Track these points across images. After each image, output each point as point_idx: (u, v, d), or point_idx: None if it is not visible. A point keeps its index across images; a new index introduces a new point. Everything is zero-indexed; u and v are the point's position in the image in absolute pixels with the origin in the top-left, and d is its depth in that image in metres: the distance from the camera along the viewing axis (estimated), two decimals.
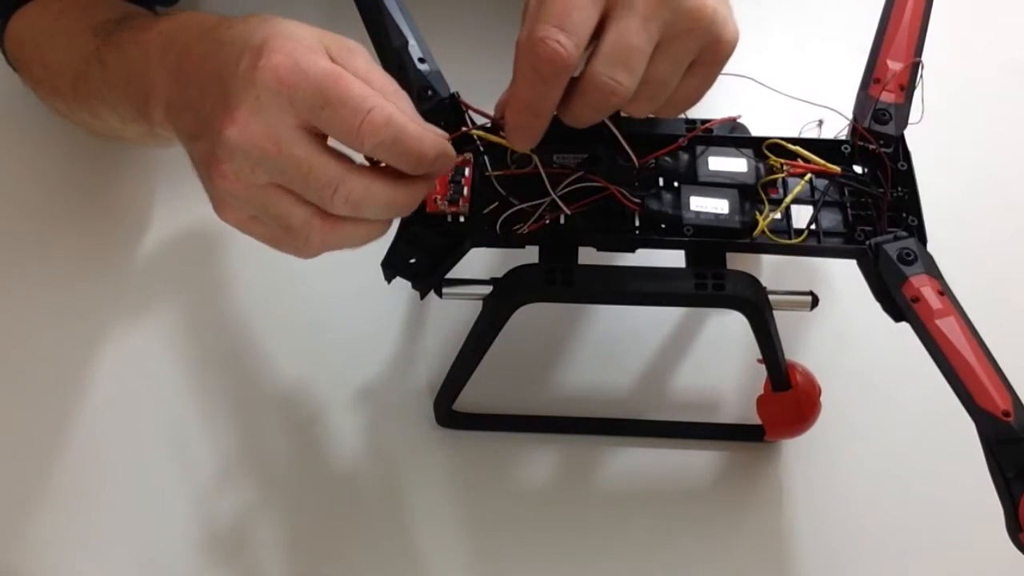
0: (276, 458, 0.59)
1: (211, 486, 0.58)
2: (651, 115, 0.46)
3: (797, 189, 0.50)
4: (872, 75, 0.51)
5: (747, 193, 0.49)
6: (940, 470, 0.58)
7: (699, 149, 0.51)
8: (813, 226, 0.49)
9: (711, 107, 0.52)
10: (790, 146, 0.51)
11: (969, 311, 0.45)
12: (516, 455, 0.59)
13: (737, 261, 0.50)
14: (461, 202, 0.49)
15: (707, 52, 0.43)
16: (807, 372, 0.55)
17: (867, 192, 0.49)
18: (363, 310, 0.62)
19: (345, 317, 0.63)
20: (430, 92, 0.49)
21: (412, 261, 0.48)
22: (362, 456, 0.59)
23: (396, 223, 0.49)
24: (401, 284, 0.49)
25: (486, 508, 0.57)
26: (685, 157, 0.51)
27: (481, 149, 0.50)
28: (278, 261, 0.64)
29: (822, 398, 0.55)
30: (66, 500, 0.57)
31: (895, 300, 0.46)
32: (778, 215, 0.49)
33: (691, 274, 0.48)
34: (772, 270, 0.61)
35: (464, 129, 0.49)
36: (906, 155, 0.51)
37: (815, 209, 0.49)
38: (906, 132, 0.50)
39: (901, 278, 0.46)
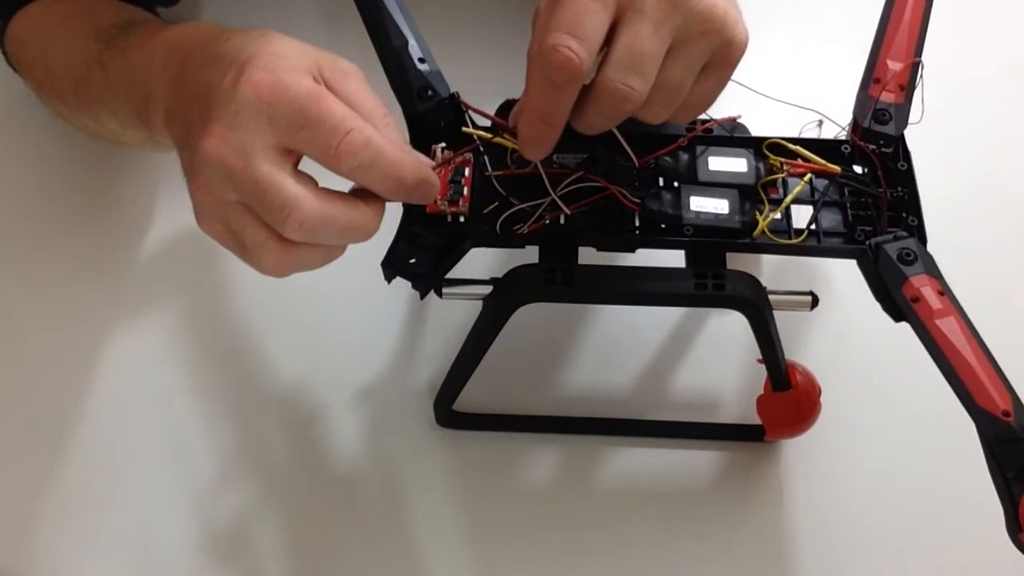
0: (276, 458, 0.59)
1: (211, 486, 0.58)
2: (665, 121, 0.46)
3: (797, 189, 0.50)
4: (872, 75, 0.51)
5: (747, 193, 0.49)
6: (940, 470, 0.58)
7: (699, 149, 0.51)
8: (813, 226, 0.49)
9: (711, 107, 0.53)
10: (790, 146, 0.51)
11: (969, 311, 0.45)
12: (516, 455, 0.59)
13: (737, 261, 0.50)
14: (461, 202, 0.49)
15: (719, 54, 0.44)
16: (807, 372, 0.55)
17: (867, 192, 0.49)
18: (363, 310, 0.63)
19: (345, 317, 0.63)
20: (430, 92, 0.49)
21: (412, 261, 0.48)
22: (362, 456, 0.59)
23: (396, 224, 0.50)
24: (401, 284, 0.49)
25: (486, 508, 0.57)
26: (685, 157, 0.51)
27: (481, 149, 0.50)
28: None
29: (822, 398, 0.55)
30: (66, 500, 0.57)
31: (895, 300, 0.46)
32: (778, 215, 0.49)
33: (691, 274, 0.48)
34: (772, 270, 0.61)
35: (464, 129, 0.49)
36: (906, 155, 0.51)
37: (815, 209, 0.49)
38: (906, 132, 0.50)
39: (901, 278, 0.46)
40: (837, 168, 0.50)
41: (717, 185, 0.50)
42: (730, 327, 0.61)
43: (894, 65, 0.51)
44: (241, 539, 0.56)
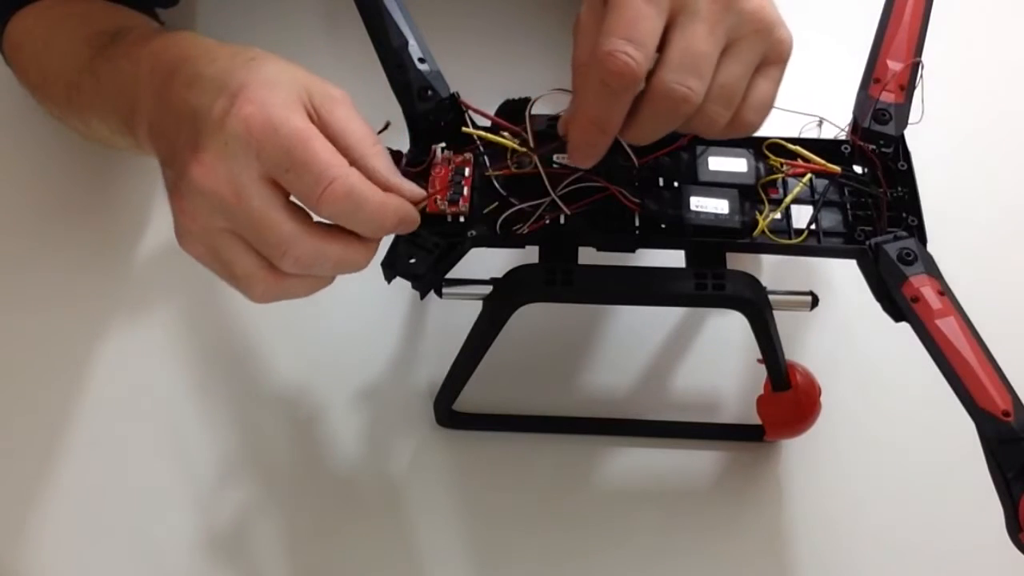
0: (276, 458, 0.59)
1: (211, 486, 0.58)
2: (730, 133, 0.44)
3: (797, 189, 0.50)
4: (872, 75, 0.51)
5: (747, 193, 0.49)
6: (940, 470, 0.58)
7: (699, 149, 0.51)
8: (813, 226, 0.49)
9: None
10: (790, 146, 0.51)
11: (969, 311, 0.45)
12: (516, 455, 0.59)
13: (737, 261, 0.50)
14: (461, 202, 0.49)
15: (772, 52, 0.43)
16: (807, 372, 0.55)
17: (867, 192, 0.49)
18: (363, 310, 0.62)
19: (345, 317, 0.63)
20: (430, 92, 0.49)
21: (412, 261, 0.48)
22: (362, 456, 0.59)
23: None
24: (401, 284, 0.49)
25: (486, 508, 0.57)
26: (685, 157, 0.51)
27: (481, 149, 0.50)
28: None
29: (822, 398, 0.55)
30: (66, 500, 0.57)
31: (895, 300, 0.46)
32: (778, 215, 0.49)
33: (691, 274, 0.48)
34: (772, 270, 0.61)
35: (464, 129, 0.49)
36: (906, 155, 0.51)
37: (815, 209, 0.49)
38: (906, 132, 0.50)
39: (901, 278, 0.46)
40: (837, 168, 0.50)
41: (717, 185, 0.50)
42: (730, 327, 0.61)
43: (894, 65, 0.51)
44: (241, 539, 0.56)
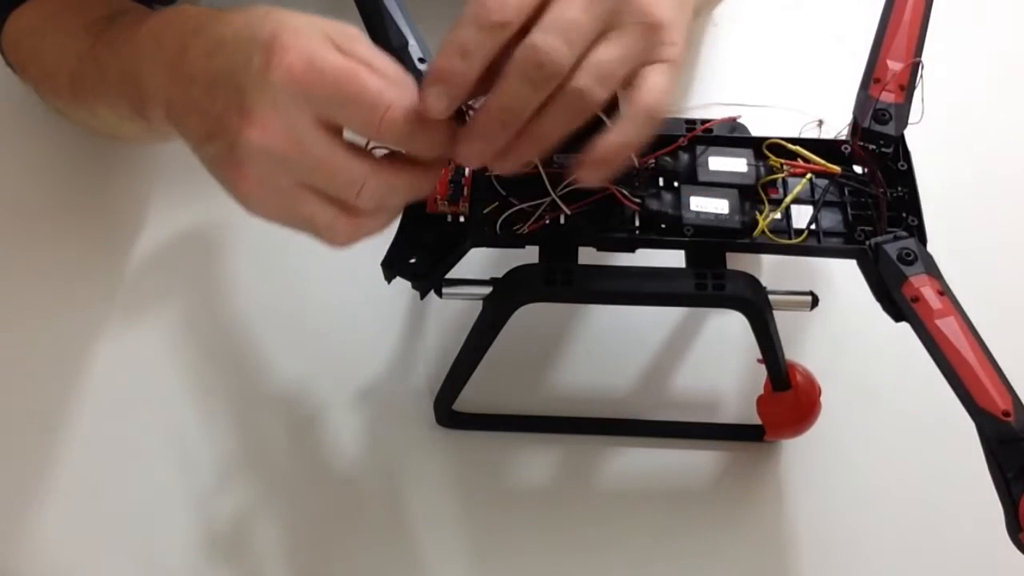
0: (276, 458, 0.59)
1: (211, 486, 0.58)
2: (630, 115, 0.43)
3: (797, 189, 0.50)
4: (872, 75, 0.51)
5: (747, 193, 0.49)
6: (940, 470, 0.58)
7: (699, 149, 0.51)
8: (813, 226, 0.49)
9: (711, 107, 0.53)
10: (790, 146, 0.51)
11: (969, 311, 0.45)
12: (516, 455, 0.59)
13: (737, 261, 0.50)
14: (461, 202, 0.49)
15: (656, 51, 0.42)
16: (807, 372, 0.55)
17: (867, 192, 0.49)
18: (363, 310, 0.62)
19: (345, 317, 0.63)
20: None
21: (412, 261, 0.48)
22: (362, 456, 0.59)
23: (396, 224, 0.50)
24: (401, 284, 0.49)
25: (486, 508, 0.57)
26: (685, 157, 0.51)
27: None
28: (278, 261, 0.64)
29: (822, 398, 0.55)
30: (66, 500, 0.57)
31: (895, 300, 0.46)
32: (778, 215, 0.49)
33: (691, 274, 0.48)
34: (772, 270, 0.61)
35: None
36: (906, 155, 0.51)
37: (815, 209, 0.49)
38: (906, 132, 0.50)
39: (901, 278, 0.46)
40: (837, 168, 0.50)
41: (717, 185, 0.50)
42: (730, 327, 0.61)
43: (894, 65, 0.51)
44: (241, 539, 0.56)
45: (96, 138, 0.65)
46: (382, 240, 0.49)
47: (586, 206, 0.49)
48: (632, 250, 0.51)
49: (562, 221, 0.49)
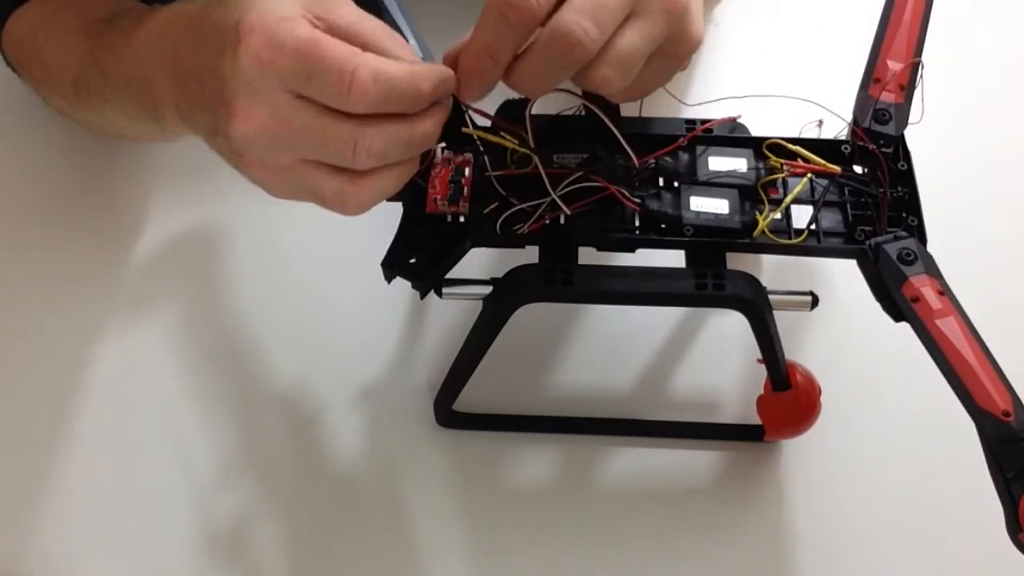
0: (276, 458, 0.59)
1: (211, 486, 0.58)
2: (606, 96, 0.44)
3: (797, 189, 0.50)
4: (872, 75, 0.51)
5: (747, 193, 0.50)
6: (940, 470, 0.58)
7: (699, 149, 0.51)
8: (813, 226, 0.49)
9: (711, 107, 0.53)
10: (790, 146, 0.51)
11: (969, 311, 0.45)
12: (516, 455, 0.59)
13: (737, 261, 0.50)
14: (461, 202, 0.49)
15: (672, 43, 0.43)
16: (807, 372, 0.55)
17: (867, 192, 0.49)
18: (363, 310, 0.63)
19: (345, 317, 0.63)
20: None
21: (412, 261, 0.48)
22: (362, 456, 0.59)
23: (396, 224, 0.50)
24: (401, 284, 0.49)
25: (486, 508, 0.57)
26: (685, 157, 0.51)
27: (481, 149, 0.50)
28: (278, 261, 0.64)
29: (822, 398, 0.55)
30: (66, 500, 0.57)
31: (895, 300, 0.46)
32: (778, 215, 0.49)
33: (691, 274, 0.48)
34: (772, 270, 0.61)
35: (464, 129, 0.49)
36: (906, 155, 0.51)
37: (815, 209, 0.49)
38: (906, 132, 0.50)
39: (901, 278, 0.46)
40: (837, 168, 0.50)
41: (717, 185, 0.50)
42: (730, 327, 0.61)
43: (894, 65, 0.51)
44: (241, 539, 0.56)
45: (96, 138, 0.65)
46: (382, 240, 0.49)
47: (586, 206, 0.49)
48: (632, 250, 0.51)
49: (562, 221, 0.49)
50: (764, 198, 0.49)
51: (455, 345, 0.54)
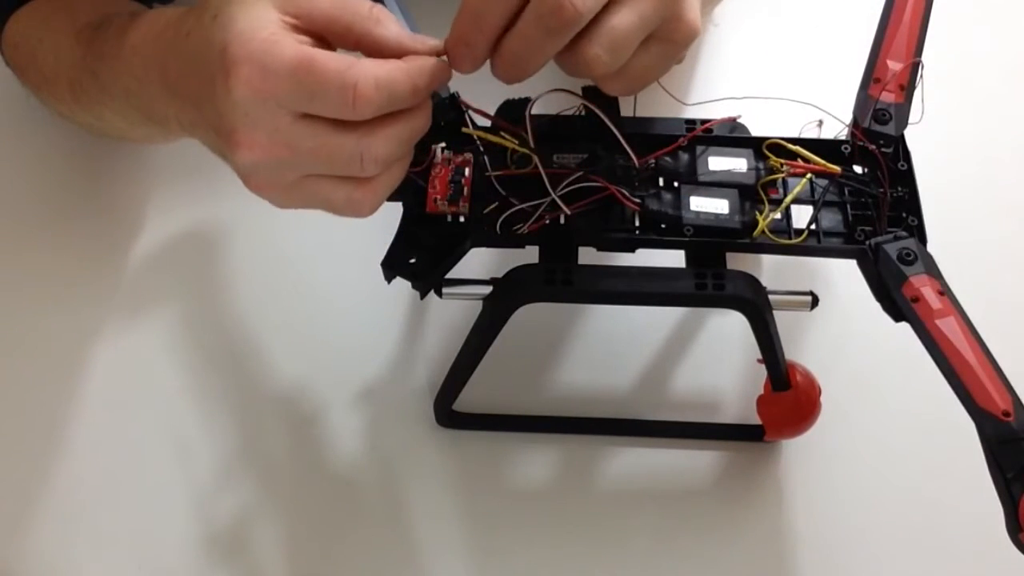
0: (276, 458, 0.59)
1: (211, 486, 0.58)
2: (604, 86, 0.45)
3: (797, 189, 0.50)
4: (872, 75, 0.51)
5: (747, 193, 0.49)
6: (940, 470, 0.58)
7: (699, 149, 0.51)
8: (813, 226, 0.49)
9: (711, 107, 0.53)
10: (790, 146, 0.51)
11: (969, 311, 0.45)
12: (516, 455, 0.59)
13: (737, 261, 0.50)
14: (461, 202, 0.49)
15: (667, 27, 0.43)
16: (807, 372, 0.55)
17: (867, 192, 0.49)
18: (363, 310, 0.62)
19: (345, 317, 0.63)
20: None
21: (412, 261, 0.48)
22: (362, 456, 0.59)
23: (396, 224, 0.50)
24: (401, 284, 0.49)
25: (486, 508, 0.57)
26: (685, 157, 0.51)
27: (481, 149, 0.50)
28: (278, 261, 0.64)
29: (822, 398, 0.55)
30: (66, 500, 0.57)
31: (895, 300, 0.46)
32: (778, 215, 0.49)
33: (691, 274, 0.48)
34: (772, 270, 0.61)
35: (464, 129, 0.49)
36: (906, 155, 0.51)
37: (815, 209, 0.49)
38: (906, 132, 0.50)
39: (901, 278, 0.46)
40: (837, 168, 0.50)
41: (717, 185, 0.50)
42: (730, 327, 0.61)
43: (894, 65, 0.51)
44: (241, 539, 0.56)
45: (94, 139, 0.65)
46: (382, 240, 0.49)
47: (586, 206, 0.49)
48: (632, 250, 0.51)
49: (562, 221, 0.49)
50: (764, 198, 0.49)
51: (455, 345, 0.54)
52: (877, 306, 0.47)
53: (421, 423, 0.59)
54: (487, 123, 0.50)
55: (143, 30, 0.48)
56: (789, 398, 0.55)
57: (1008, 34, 0.76)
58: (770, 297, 0.50)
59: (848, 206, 0.49)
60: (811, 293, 0.52)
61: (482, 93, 0.49)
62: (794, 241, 0.49)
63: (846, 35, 0.63)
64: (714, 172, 0.50)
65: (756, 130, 0.52)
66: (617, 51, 0.42)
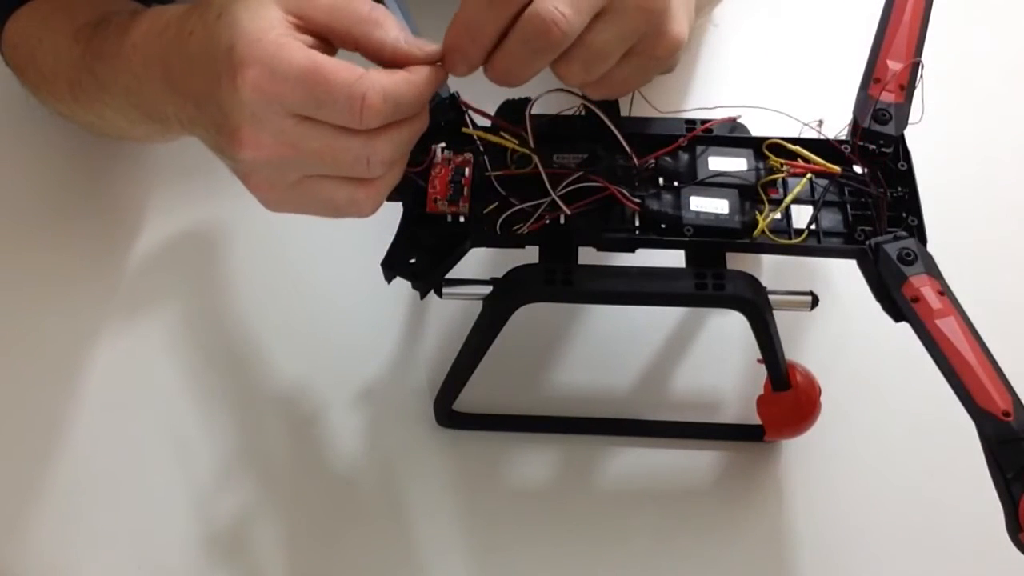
0: (276, 458, 0.59)
1: (211, 486, 0.58)
2: (585, 91, 0.46)
3: (797, 189, 0.50)
4: (872, 75, 0.51)
5: (747, 193, 0.49)
6: (940, 470, 0.58)
7: (699, 149, 0.51)
8: (813, 226, 0.49)
9: (705, 112, 0.53)
10: (790, 146, 0.51)
11: (969, 311, 0.45)
12: (516, 455, 0.59)
13: (737, 261, 0.50)
14: (461, 202, 0.49)
15: (647, 42, 0.43)
16: (807, 372, 0.55)
17: (867, 192, 0.49)
18: (363, 310, 0.62)
19: (345, 317, 0.63)
20: None
21: (412, 261, 0.48)
22: (362, 456, 0.59)
23: (396, 224, 0.50)
24: (401, 284, 0.49)
25: (486, 508, 0.57)
26: (685, 157, 0.51)
27: (481, 149, 0.50)
28: (278, 261, 0.64)
29: (822, 398, 0.55)
30: (66, 500, 0.57)
31: (895, 300, 0.46)
32: (778, 215, 0.49)
33: (691, 274, 0.48)
34: (772, 270, 0.61)
35: (464, 129, 0.49)
36: (906, 155, 0.51)
37: (815, 209, 0.49)
38: (906, 132, 0.50)
39: (901, 278, 0.46)
40: (837, 168, 0.50)
41: (717, 185, 0.50)
42: (730, 327, 0.61)
43: (894, 65, 0.51)
44: (241, 539, 0.56)
45: (95, 138, 0.65)
46: (382, 240, 0.49)
47: (586, 206, 0.49)
48: (632, 250, 0.51)
49: (562, 221, 0.49)
50: (764, 198, 0.49)
51: (455, 345, 0.54)
52: (877, 306, 0.47)
53: (421, 423, 0.59)
54: (487, 123, 0.50)
55: (144, 27, 0.48)
56: (789, 398, 0.55)
57: (1008, 34, 0.76)
58: (770, 297, 0.50)
59: (848, 206, 0.49)
60: (811, 293, 0.52)
61: (482, 93, 0.49)
62: (794, 241, 0.49)
63: (846, 35, 0.63)
64: (714, 172, 0.50)
65: (756, 130, 0.52)
66: (592, 66, 0.43)
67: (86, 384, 0.61)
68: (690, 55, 0.72)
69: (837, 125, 0.52)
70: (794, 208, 0.50)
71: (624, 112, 0.51)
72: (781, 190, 0.50)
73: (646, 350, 0.62)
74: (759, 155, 0.51)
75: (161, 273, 0.64)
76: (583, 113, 0.50)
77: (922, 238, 0.48)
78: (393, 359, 0.62)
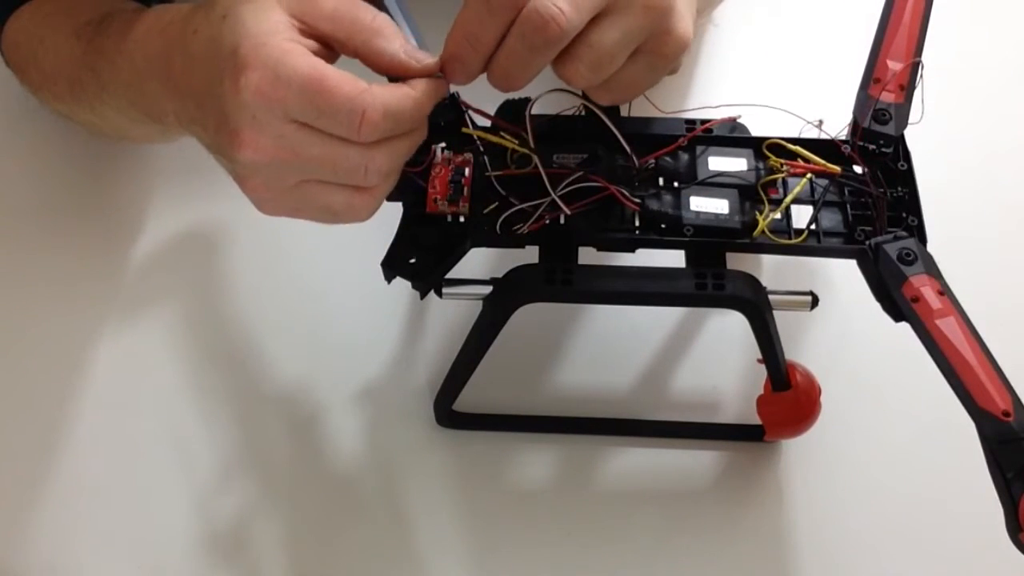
0: (276, 458, 0.59)
1: (211, 486, 0.58)
2: (592, 96, 0.46)
3: (797, 189, 0.50)
4: (872, 75, 0.51)
5: (747, 193, 0.50)
6: (940, 470, 0.58)
7: (699, 149, 0.51)
8: (813, 226, 0.49)
9: (708, 111, 0.53)
10: (790, 146, 0.51)
11: (969, 311, 0.45)
12: (516, 455, 0.59)
13: (737, 261, 0.50)
14: (461, 202, 0.49)
15: (654, 40, 0.43)
16: (807, 372, 0.55)
17: (867, 192, 0.49)
18: (363, 310, 0.62)
19: (345, 317, 0.63)
20: None
21: (412, 261, 0.48)
22: (362, 456, 0.59)
23: (396, 224, 0.50)
24: (401, 284, 0.49)
25: (486, 508, 0.57)
26: (685, 157, 0.51)
27: (481, 149, 0.50)
28: (278, 261, 0.65)
29: (822, 398, 0.55)
30: (66, 500, 0.57)
31: (895, 300, 0.46)
32: (778, 215, 0.49)
33: (691, 274, 0.48)
34: (772, 270, 0.61)
35: (464, 129, 0.49)
36: (906, 155, 0.51)
37: (815, 209, 0.49)
38: (906, 132, 0.50)
39: (901, 278, 0.46)
40: (837, 168, 0.50)
41: (717, 185, 0.50)
42: (730, 327, 0.61)
43: (894, 65, 0.51)
44: (241, 539, 0.56)
45: (95, 138, 0.65)
46: (382, 240, 0.49)
47: (586, 206, 0.49)
48: (632, 250, 0.51)
49: (562, 221, 0.49)
50: (764, 198, 0.49)
51: (455, 345, 0.54)
52: (877, 306, 0.47)
53: (421, 423, 0.59)
54: (487, 123, 0.50)
55: (147, 25, 0.48)
56: (789, 398, 0.55)
57: (1008, 34, 0.76)
58: (770, 297, 0.50)
59: (848, 206, 0.49)
60: (811, 293, 0.52)
61: (482, 93, 0.49)
62: (794, 241, 0.49)
63: (846, 35, 0.63)
64: (714, 172, 0.50)
65: (756, 130, 0.52)
66: (599, 67, 0.43)
67: (86, 384, 0.61)
68: (690, 55, 0.72)
69: (837, 125, 0.52)
70: (794, 208, 0.50)
71: (624, 112, 0.51)
72: (781, 190, 0.50)
73: (646, 350, 0.62)
74: (759, 155, 0.51)
75: (161, 273, 0.64)
76: (583, 113, 0.50)
77: (922, 238, 0.48)
78: (393, 359, 0.62)
